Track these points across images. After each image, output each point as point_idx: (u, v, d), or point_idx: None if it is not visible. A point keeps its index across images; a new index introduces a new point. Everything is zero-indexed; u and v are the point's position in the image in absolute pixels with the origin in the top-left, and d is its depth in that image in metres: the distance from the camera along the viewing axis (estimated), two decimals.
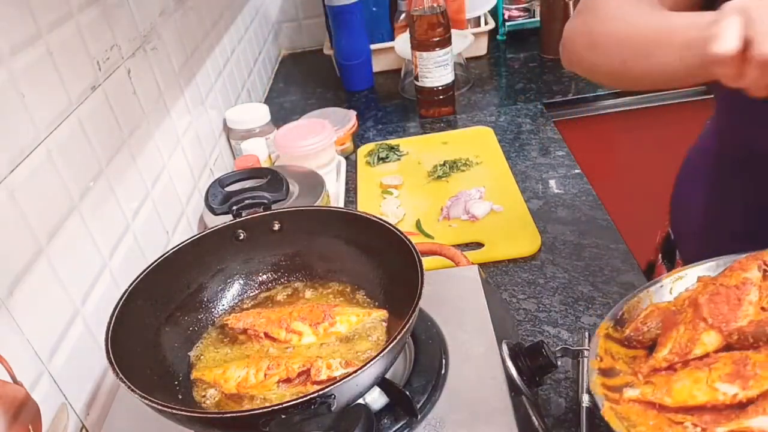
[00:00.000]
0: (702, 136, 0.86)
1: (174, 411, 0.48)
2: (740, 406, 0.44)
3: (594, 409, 0.67)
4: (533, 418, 0.60)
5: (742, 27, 0.51)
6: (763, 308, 0.50)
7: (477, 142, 1.28)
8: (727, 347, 0.49)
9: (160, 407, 0.48)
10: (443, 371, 0.60)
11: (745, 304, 0.50)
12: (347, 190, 1.20)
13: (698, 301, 0.52)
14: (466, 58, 1.62)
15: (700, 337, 0.49)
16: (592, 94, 1.46)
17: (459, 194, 1.08)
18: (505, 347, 0.62)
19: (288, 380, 0.58)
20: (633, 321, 0.55)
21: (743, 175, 0.74)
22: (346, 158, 1.29)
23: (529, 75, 1.58)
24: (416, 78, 1.38)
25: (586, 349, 0.73)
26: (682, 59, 0.58)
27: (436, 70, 1.34)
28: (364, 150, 1.31)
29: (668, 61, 0.60)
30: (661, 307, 0.55)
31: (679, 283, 0.57)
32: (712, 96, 0.81)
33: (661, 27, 0.62)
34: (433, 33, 1.29)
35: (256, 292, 0.72)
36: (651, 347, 0.54)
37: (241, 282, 0.72)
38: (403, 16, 1.64)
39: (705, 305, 0.51)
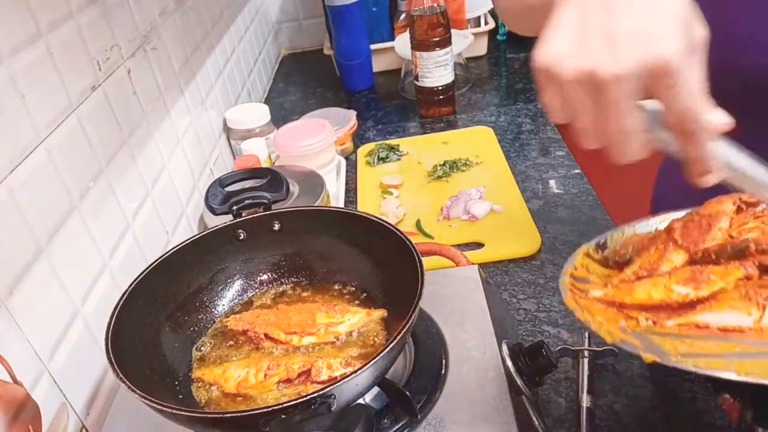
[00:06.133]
0: None
1: (174, 411, 0.48)
2: (691, 306, 0.47)
3: (590, 410, 0.67)
4: (533, 418, 0.60)
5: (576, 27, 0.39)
6: (731, 236, 0.53)
7: (477, 142, 1.28)
8: (691, 263, 0.52)
9: (160, 407, 0.48)
10: (443, 371, 0.60)
11: (714, 230, 0.53)
12: (347, 190, 1.20)
13: (672, 226, 0.55)
14: (466, 58, 1.62)
15: (668, 256, 0.53)
16: None
17: (459, 194, 1.08)
18: (505, 347, 0.62)
19: (288, 380, 0.58)
20: (613, 245, 0.59)
21: None
22: (346, 158, 1.29)
23: (529, 75, 1.58)
24: (416, 78, 1.38)
25: (587, 349, 0.73)
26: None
27: (436, 70, 1.34)
28: (364, 150, 1.31)
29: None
30: (642, 235, 0.59)
31: (664, 224, 0.59)
32: None
33: None
34: (433, 33, 1.29)
35: (256, 292, 0.72)
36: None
37: (241, 282, 0.72)
38: (403, 16, 1.64)
39: (678, 229, 0.54)
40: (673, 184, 0.81)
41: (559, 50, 0.39)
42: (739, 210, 0.55)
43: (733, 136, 0.71)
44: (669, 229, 0.55)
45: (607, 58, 0.37)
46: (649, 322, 0.47)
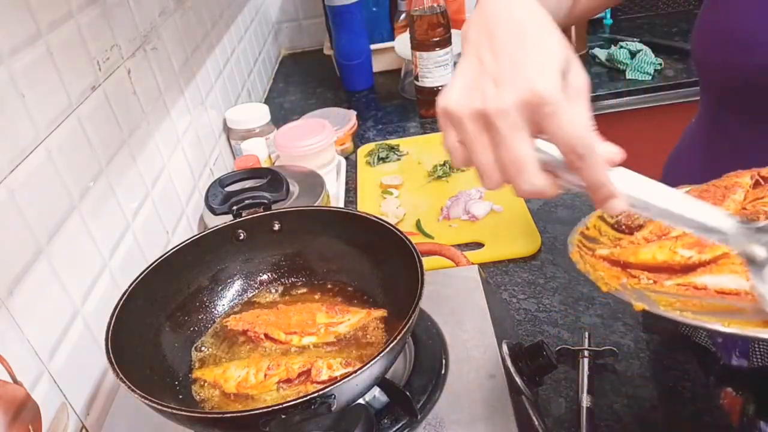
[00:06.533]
0: (686, 133, 0.86)
1: (174, 411, 0.48)
2: (692, 268, 0.47)
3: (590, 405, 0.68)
4: (533, 418, 0.60)
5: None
6: (744, 208, 0.52)
7: None
8: None
9: (160, 407, 0.48)
10: (443, 371, 0.60)
11: (728, 201, 0.53)
12: (347, 190, 1.20)
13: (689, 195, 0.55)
14: None
15: None
16: (592, 94, 1.46)
17: (459, 194, 1.08)
18: (505, 347, 0.62)
19: (288, 380, 0.58)
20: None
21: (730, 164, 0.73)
22: (346, 158, 1.29)
23: None
24: (416, 78, 1.38)
25: (587, 349, 0.73)
26: None
27: (436, 70, 1.34)
28: (364, 150, 1.31)
29: None
30: None
31: None
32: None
33: None
34: (433, 33, 1.29)
35: (256, 292, 0.72)
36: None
37: (241, 282, 0.72)
38: (403, 16, 1.64)
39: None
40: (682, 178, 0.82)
41: (455, 94, 0.45)
42: (756, 184, 0.55)
43: (735, 133, 0.71)
44: None
45: (493, 96, 0.42)
46: (650, 281, 0.48)
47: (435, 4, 1.28)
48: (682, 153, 0.82)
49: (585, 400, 0.68)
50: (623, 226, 0.57)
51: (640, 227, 0.56)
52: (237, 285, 0.71)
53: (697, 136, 0.81)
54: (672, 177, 0.83)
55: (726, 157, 0.72)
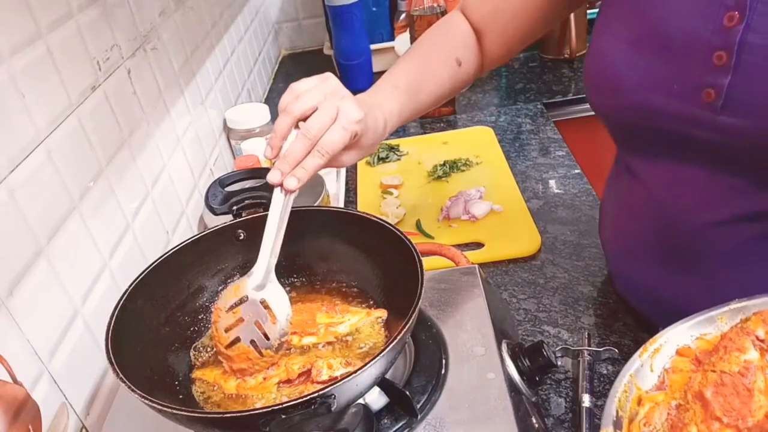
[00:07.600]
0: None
1: (174, 411, 0.48)
2: None
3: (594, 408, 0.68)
4: (533, 418, 0.60)
5: None
6: None
7: (477, 142, 1.28)
8: None
9: (160, 407, 0.48)
10: (443, 371, 0.60)
11: (756, 395, 0.47)
12: (347, 190, 1.20)
13: (705, 396, 0.48)
14: None
15: None
16: None
17: (459, 194, 1.08)
18: (505, 347, 0.62)
19: (288, 381, 0.58)
20: (632, 422, 0.50)
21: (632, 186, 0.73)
22: None
23: (529, 75, 1.58)
24: None
25: (587, 349, 0.73)
26: None
27: None
28: None
29: None
30: (659, 401, 0.51)
31: (658, 357, 0.53)
32: None
33: None
34: None
35: None
36: None
37: None
38: (403, 16, 1.64)
39: (713, 401, 0.47)
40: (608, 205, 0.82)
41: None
42: (762, 352, 0.50)
43: (631, 166, 0.71)
44: (701, 399, 0.48)
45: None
46: None
47: (435, 4, 1.28)
48: (609, 179, 0.83)
49: (585, 400, 0.68)
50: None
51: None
52: None
53: (614, 166, 0.82)
54: (605, 202, 0.83)
55: (630, 190, 0.73)
